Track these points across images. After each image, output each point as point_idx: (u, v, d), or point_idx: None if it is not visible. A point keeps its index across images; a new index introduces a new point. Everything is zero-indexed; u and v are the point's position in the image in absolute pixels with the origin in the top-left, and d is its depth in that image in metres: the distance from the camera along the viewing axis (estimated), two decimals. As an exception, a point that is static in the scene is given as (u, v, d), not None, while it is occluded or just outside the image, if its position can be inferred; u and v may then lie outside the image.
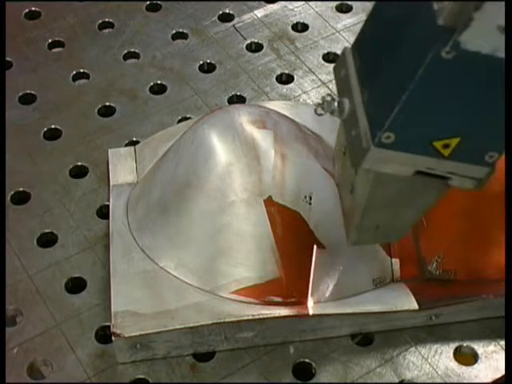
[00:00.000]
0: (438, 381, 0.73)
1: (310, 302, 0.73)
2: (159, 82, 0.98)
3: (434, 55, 0.53)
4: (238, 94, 0.96)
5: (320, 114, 0.62)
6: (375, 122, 0.57)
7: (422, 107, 0.56)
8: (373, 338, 0.75)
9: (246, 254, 0.74)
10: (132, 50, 1.01)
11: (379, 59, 0.59)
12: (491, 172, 0.60)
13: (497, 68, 0.54)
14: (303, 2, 1.07)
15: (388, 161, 0.58)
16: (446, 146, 0.58)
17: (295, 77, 0.98)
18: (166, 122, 0.93)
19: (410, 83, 0.54)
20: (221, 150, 0.76)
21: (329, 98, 0.61)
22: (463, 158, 0.59)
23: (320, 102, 0.61)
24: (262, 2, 1.08)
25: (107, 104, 0.95)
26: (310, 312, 0.72)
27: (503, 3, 0.51)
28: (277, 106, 0.87)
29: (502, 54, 0.53)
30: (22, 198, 0.86)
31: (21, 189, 0.86)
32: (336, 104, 0.61)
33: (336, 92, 0.63)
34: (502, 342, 0.74)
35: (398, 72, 0.56)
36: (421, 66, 0.54)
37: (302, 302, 0.73)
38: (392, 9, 0.59)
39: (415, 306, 0.74)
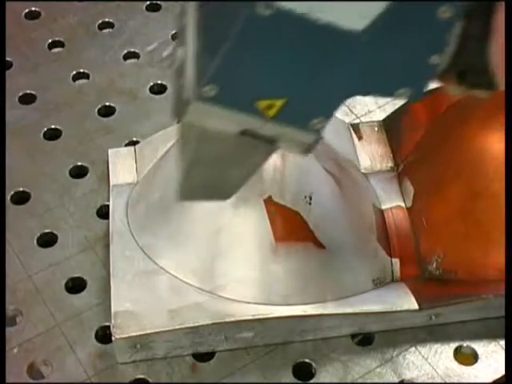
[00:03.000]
0: (438, 381, 0.73)
1: None
2: (159, 81, 0.97)
3: (250, 10, 0.50)
4: (238, 93, 0.96)
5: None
6: (199, 73, 0.54)
7: (243, 63, 0.53)
8: (373, 338, 0.75)
9: (245, 254, 0.74)
10: (132, 50, 1.01)
11: (212, 10, 0.55)
12: (318, 139, 0.57)
13: (313, 30, 0.50)
14: (303, 2, 1.07)
15: (211, 116, 0.55)
16: (270, 107, 0.55)
17: (295, 77, 0.98)
18: (166, 122, 0.92)
19: (230, 36, 0.51)
20: (221, 149, 0.76)
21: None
22: (288, 122, 0.56)
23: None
24: (262, 2, 1.07)
25: (107, 104, 0.95)
26: None
27: None
28: (277, 105, 0.87)
29: (316, 14, 0.50)
30: (21, 198, 0.86)
31: (21, 189, 0.86)
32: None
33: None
34: (502, 342, 0.74)
35: (222, 24, 0.53)
36: (238, 19, 0.50)
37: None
38: None
39: (415, 306, 0.74)
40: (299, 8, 0.50)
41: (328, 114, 0.56)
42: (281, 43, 0.52)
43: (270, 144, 0.58)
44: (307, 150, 0.58)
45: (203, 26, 0.56)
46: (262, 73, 0.53)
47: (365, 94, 0.56)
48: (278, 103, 0.55)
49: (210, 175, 0.62)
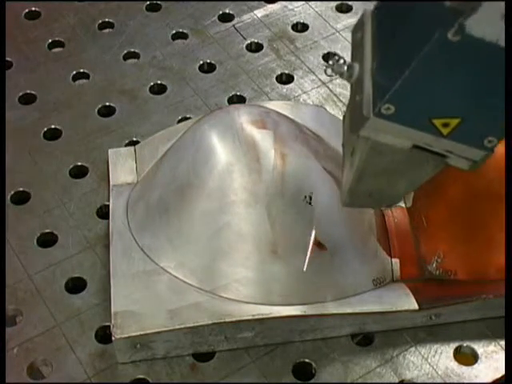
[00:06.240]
0: (438, 381, 0.73)
1: None
2: (159, 82, 0.98)
3: (440, 36, 0.54)
4: (238, 94, 0.96)
5: (330, 75, 0.62)
6: (378, 91, 0.58)
7: (424, 84, 0.56)
8: (373, 337, 0.75)
9: (245, 254, 0.74)
10: (132, 50, 1.01)
11: (392, 29, 0.59)
12: (488, 156, 0.60)
13: (499, 57, 0.54)
14: (303, 2, 1.07)
15: (386, 131, 0.59)
16: (445, 125, 0.58)
17: (295, 77, 0.98)
18: (165, 122, 0.93)
19: (415, 59, 0.55)
20: (221, 150, 0.76)
21: (341, 61, 0.61)
22: (462, 139, 0.59)
23: (331, 62, 0.61)
24: (262, 2, 1.08)
25: (107, 104, 0.95)
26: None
27: None
28: (277, 106, 0.87)
29: (503, 43, 0.54)
30: (21, 198, 0.86)
31: (21, 189, 0.86)
32: (346, 68, 0.61)
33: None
34: (502, 342, 0.74)
35: (405, 46, 0.57)
36: (426, 44, 0.54)
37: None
38: None
39: (415, 306, 0.74)
40: (489, 36, 0.53)
41: (500, 134, 0.59)
42: (463, 66, 0.55)
43: (440, 159, 0.61)
44: (475, 165, 0.61)
45: (382, 43, 0.59)
46: (441, 93, 0.57)
47: None
48: (454, 122, 0.58)
49: (376, 184, 0.66)
